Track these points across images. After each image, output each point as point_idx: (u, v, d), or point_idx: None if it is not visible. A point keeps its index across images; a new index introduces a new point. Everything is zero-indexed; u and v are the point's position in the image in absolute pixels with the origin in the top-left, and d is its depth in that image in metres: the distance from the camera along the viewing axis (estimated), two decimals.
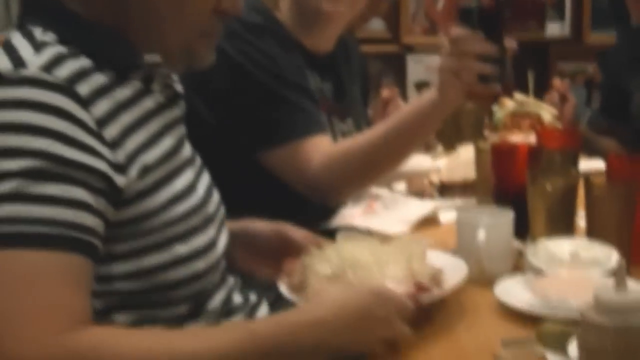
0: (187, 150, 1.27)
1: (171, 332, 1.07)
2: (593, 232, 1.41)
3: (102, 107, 1.08)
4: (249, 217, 1.48)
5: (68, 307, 0.99)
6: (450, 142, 2.28)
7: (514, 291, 1.29)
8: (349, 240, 1.36)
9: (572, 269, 1.31)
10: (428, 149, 2.30)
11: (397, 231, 1.71)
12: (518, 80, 2.40)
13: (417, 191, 1.95)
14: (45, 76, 1.03)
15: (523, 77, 2.38)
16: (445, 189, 1.91)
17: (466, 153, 1.95)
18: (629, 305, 0.89)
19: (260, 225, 1.46)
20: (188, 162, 1.25)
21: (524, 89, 2.37)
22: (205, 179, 1.30)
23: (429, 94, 1.62)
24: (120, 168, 1.07)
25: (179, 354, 1.01)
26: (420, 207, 1.80)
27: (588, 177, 1.45)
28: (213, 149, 1.44)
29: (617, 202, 1.40)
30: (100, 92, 1.09)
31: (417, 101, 1.67)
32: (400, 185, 2.01)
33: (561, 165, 1.66)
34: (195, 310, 1.19)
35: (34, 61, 1.04)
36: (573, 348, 1.05)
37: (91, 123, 1.05)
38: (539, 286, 1.25)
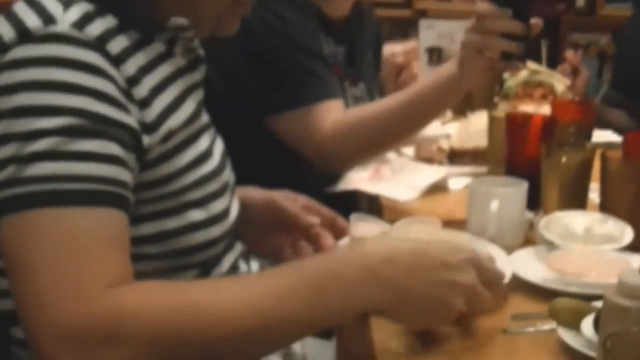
0: (205, 115, 1.26)
1: (219, 281, 1.08)
2: (606, 208, 1.40)
3: (130, 67, 1.06)
4: (252, 183, 1.46)
5: (112, 264, 0.97)
6: (460, 109, 2.26)
7: (526, 264, 1.27)
8: (412, 229, 1.34)
9: (585, 244, 1.30)
10: None
11: (406, 198, 1.69)
12: (531, 48, 2.38)
13: (426, 157, 1.93)
14: (77, 33, 1.01)
15: (536, 46, 2.35)
16: (456, 156, 1.89)
17: (478, 121, 1.93)
18: None
19: (252, 196, 1.43)
20: (205, 128, 1.24)
21: (537, 59, 2.34)
22: (220, 146, 1.28)
23: (449, 68, 1.59)
24: (148, 128, 1.06)
25: (226, 301, 0.96)
26: (429, 174, 1.78)
27: (604, 152, 1.43)
28: (220, 114, 1.42)
29: (633, 178, 1.38)
30: (128, 52, 1.07)
31: (436, 74, 1.64)
32: (409, 151, 1.98)
33: (575, 138, 1.65)
34: (203, 276, 1.17)
35: (64, 18, 1.02)
36: (587, 325, 1.04)
37: (122, 82, 1.04)
38: (553, 261, 1.23)
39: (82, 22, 1.03)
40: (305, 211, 1.41)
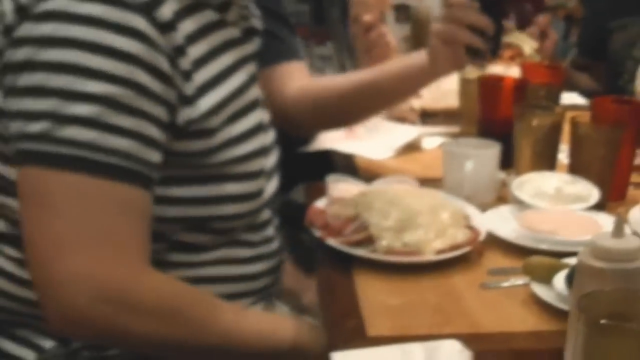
0: (256, 90, 1.25)
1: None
2: (575, 169, 1.49)
3: (178, 35, 1.05)
4: None
5: (140, 239, 1.04)
6: None
7: (500, 222, 1.36)
8: (390, 189, 1.41)
9: (556, 203, 1.39)
10: None
11: (382, 157, 1.76)
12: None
13: (398, 117, 1.99)
14: None
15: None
16: (428, 116, 1.96)
17: (449, 81, 1.99)
18: (626, 251, 0.96)
19: None
20: (257, 103, 1.23)
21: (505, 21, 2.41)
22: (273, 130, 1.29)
23: (419, 57, 1.57)
24: (189, 100, 1.07)
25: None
26: (404, 133, 1.85)
27: (574, 117, 1.51)
28: None
29: (602, 143, 1.47)
30: (177, 19, 1.06)
31: (406, 61, 1.62)
32: None
33: (546, 100, 1.73)
34: (224, 241, 1.21)
35: None
36: (558, 280, 1.13)
37: (169, 50, 1.04)
38: (525, 219, 1.33)
39: None
40: None
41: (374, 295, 1.19)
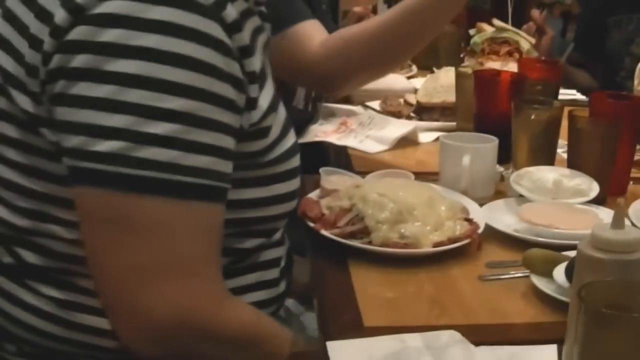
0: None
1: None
2: (574, 164, 1.48)
3: (245, 35, 0.98)
4: None
5: (215, 264, 1.00)
6: (426, 64, 2.33)
7: (498, 215, 1.36)
8: (385, 181, 1.40)
9: (555, 197, 1.38)
10: (401, 68, 2.34)
11: (376, 150, 1.75)
12: (497, 7, 2.45)
13: (393, 111, 1.98)
14: None
15: (502, 4, 2.42)
16: (423, 111, 1.95)
17: (445, 76, 1.99)
18: (626, 242, 0.95)
19: None
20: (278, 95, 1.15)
21: (503, 17, 2.42)
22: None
23: None
24: (252, 102, 1.01)
25: None
26: (399, 127, 1.84)
27: (572, 112, 1.51)
28: None
29: (599, 138, 1.46)
30: (242, 18, 0.98)
31: None
32: (375, 104, 2.04)
33: (543, 96, 1.72)
34: (264, 244, 1.17)
35: None
36: (558, 273, 1.12)
37: (237, 52, 0.97)
38: (524, 212, 1.32)
39: None
40: None
41: (370, 287, 1.18)
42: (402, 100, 2.03)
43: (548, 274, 1.13)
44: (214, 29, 0.93)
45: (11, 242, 1.05)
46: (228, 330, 1.03)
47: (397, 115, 1.97)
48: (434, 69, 2.18)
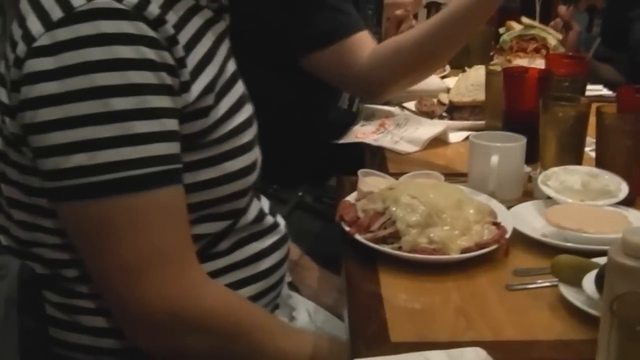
0: (233, 64, 1.14)
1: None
2: (602, 162, 1.31)
3: (168, 27, 0.94)
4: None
5: (188, 247, 0.96)
6: (458, 63, 2.16)
7: (526, 219, 1.19)
8: (417, 183, 1.27)
9: (582, 198, 1.21)
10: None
11: (408, 150, 1.61)
12: (525, 5, 2.27)
13: (427, 111, 1.83)
14: (117, 5, 0.90)
15: (531, 1, 2.24)
16: (455, 110, 1.79)
17: (475, 75, 1.83)
18: None
19: None
20: (235, 78, 1.12)
21: (531, 14, 2.23)
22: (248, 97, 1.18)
23: None
24: (185, 86, 0.96)
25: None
26: (431, 127, 1.69)
27: (599, 107, 1.33)
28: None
29: (628, 133, 1.29)
30: (164, 11, 0.95)
31: None
32: (411, 105, 1.89)
33: (570, 92, 1.55)
34: (232, 226, 1.10)
35: None
36: (588, 282, 0.96)
37: (165, 43, 0.93)
38: (552, 215, 1.15)
39: None
40: None
41: (398, 297, 1.05)
42: (435, 100, 1.86)
43: (577, 283, 0.97)
44: (141, 28, 0.91)
45: (24, 257, 1.02)
46: (215, 317, 0.98)
47: (431, 115, 1.81)
48: (466, 68, 2.01)
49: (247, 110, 1.10)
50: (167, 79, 0.92)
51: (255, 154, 1.10)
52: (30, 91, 0.91)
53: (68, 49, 0.88)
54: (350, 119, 1.84)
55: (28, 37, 0.91)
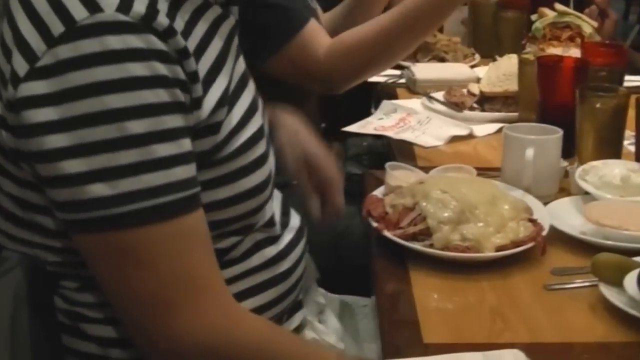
0: (242, 63, 1.08)
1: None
2: None
3: (179, 37, 0.89)
4: None
5: (217, 276, 0.93)
6: (488, 51, 2.14)
7: (563, 216, 1.19)
8: (448, 177, 1.28)
9: (622, 194, 1.20)
10: (465, 57, 2.17)
11: (431, 145, 1.60)
12: None
13: (456, 102, 1.81)
14: (123, 17, 0.84)
15: None
16: (486, 101, 1.77)
17: (507, 64, 1.81)
18: None
19: (286, 138, 1.26)
20: (245, 79, 1.07)
21: (565, 1, 2.21)
22: (259, 100, 1.12)
23: None
24: (197, 102, 0.91)
25: None
26: (454, 127, 1.68)
27: (639, 98, 1.32)
28: None
29: None
30: (172, 18, 0.89)
31: None
32: (439, 95, 1.87)
33: (607, 82, 1.53)
34: (248, 228, 1.06)
35: (107, 1, 0.84)
36: (630, 282, 0.95)
37: (175, 55, 0.88)
38: (591, 212, 1.14)
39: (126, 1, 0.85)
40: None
41: (431, 296, 1.05)
42: (465, 91, 1.85)
43: (618, 283, 0.96)
44: (151, 41, 0.85)
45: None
46: (249, 351, 0.93)
47: (460, 106, 1.79)
48: (497, 57, 1.99)
49: (257, 121, 1.04)
50: (180, 96, 0.88)
51: (270, 166, 1.06)
52: (33, 116, 0.85)
53: (73, 69, 0.83)
54: None
55: (27, 51, 0.85)
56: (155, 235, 0.87)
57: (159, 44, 0.86)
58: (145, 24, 0.85)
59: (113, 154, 0.84)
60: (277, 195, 1.18)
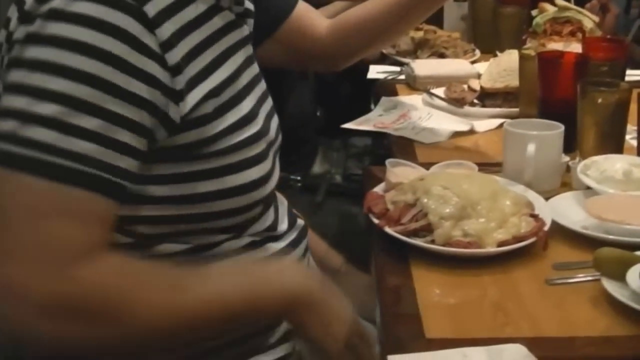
0: (252, 71, 1.12)
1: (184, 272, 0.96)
2: None
3: (169, 28, 0.94)
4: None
5: (75, 240, 0.90)
6: (488, 47, 2.16)
7: (565, 210, 1.20)
8: (449, 173, 1.28)
9: (624, 188, 1.21)
10: (466, 53, 2.18)
11: (432, 141, 1.61)
12: None
13: (457, 97, 1.83)
14: None
15: None
16: (486, 96, 1.79)
17: (508, 59, 1.82)
18: None
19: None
20: (251, 86, 1.10)
21: None
22: (268, 104, 1.16)
23: None
24: (178, 95, 0.95)
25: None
26: (456, 124, 1.69)
27: None
28: None
29: None
30: (167, 13, 0.94)
31: None
32: (439, 91, 1.88)
33: (609, 77, 1.54)
34: (235, 238, 1.07)
35: None
36: (632, 276, 0.96)
37: (155, 47, 0.92)
38: (592, 206, 1.16)
39: None
40: None
41: (432, 291, 1.06)
42: (465, 87, 1.86)
43: (621, 277, 0.98)
44: (124, 21, 0.90)
45: None
46: (90, 306, 0.89)
47: (461, 102, 1.80)
48: (497, 53, 2.01)
49: (257, 125, 1.07)
50: (135, 85, 0.91)
51: (267, 166, 1.07)
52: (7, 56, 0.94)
53: (50, 19, 0.90)
54: None
55: (22, 11, 0.93)
56: (34, 188, 0.88)
57: (137, 31, 0.90)
58: (137, 6, 0.90)
59: (35, 100, 0.88)
60: (283, 202, 1.20)
